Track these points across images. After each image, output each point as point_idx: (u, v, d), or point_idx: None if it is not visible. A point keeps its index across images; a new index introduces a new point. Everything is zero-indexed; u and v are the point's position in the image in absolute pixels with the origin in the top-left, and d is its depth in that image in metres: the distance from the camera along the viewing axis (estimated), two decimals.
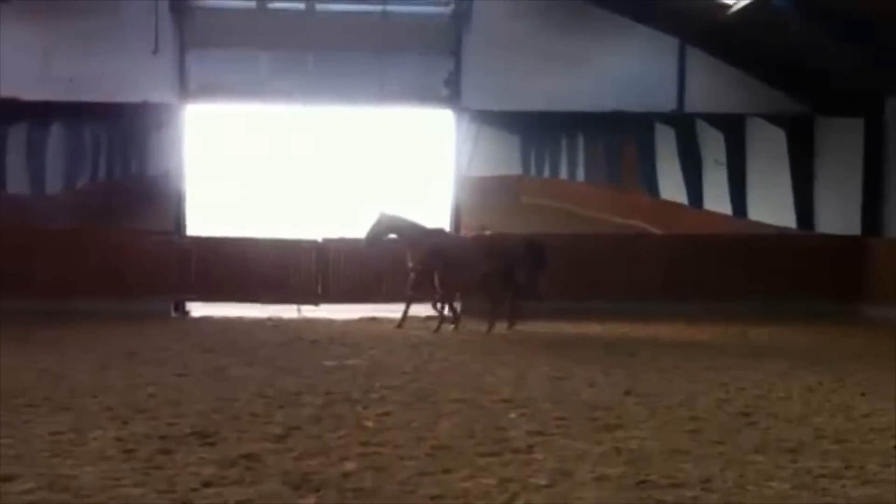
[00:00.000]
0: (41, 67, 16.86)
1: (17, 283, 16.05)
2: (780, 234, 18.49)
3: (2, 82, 16.76)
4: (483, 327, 14.84)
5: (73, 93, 16.93)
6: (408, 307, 15.31)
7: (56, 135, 17.93)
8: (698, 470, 6.87)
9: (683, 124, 18.58)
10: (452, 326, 15.03)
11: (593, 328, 15.08)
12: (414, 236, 15.28)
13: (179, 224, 17.54)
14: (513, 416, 8.68)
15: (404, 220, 15.33)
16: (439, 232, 15.98)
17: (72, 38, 17.04)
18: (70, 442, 7.59)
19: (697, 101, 18.53)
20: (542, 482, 6.56)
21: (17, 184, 17.87)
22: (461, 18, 17.99)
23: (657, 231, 18.65)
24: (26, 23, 17.08)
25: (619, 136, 18.73)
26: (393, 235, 15.39)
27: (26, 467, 6.80)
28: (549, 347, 13.20)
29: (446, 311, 15.23)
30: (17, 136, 17.83)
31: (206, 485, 6.45)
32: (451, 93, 18.13)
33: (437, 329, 14.80)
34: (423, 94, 18.22)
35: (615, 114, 18.22)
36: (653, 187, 18.81)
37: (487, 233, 16.08)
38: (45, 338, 13.53)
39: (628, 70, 18.29)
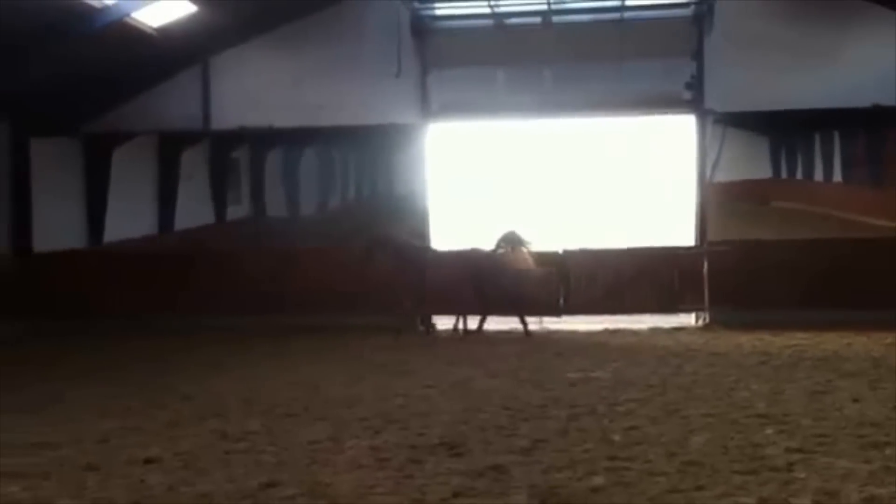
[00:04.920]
0: (293, 95, 17.83)
1: (275, 300, 17.02)
2: None
3: (258, 111, 17.89)
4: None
5: (322, 118, 17.78)
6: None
7: (308, 159, 19.05)
8: None
9: None
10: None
11: (857, 340, 14.00)
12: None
13: (424, 240, 17.97)
14: (769, 432, 8.23)
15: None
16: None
17: (320, 66, 17.91)
18: (327, 450, 7.92)
19: None
20: (805, 503, 6.15)
21: (276, 207, 19.02)
22: (702, 19, 17.36)
23: None
24: (278, 54, 18.17)
25: (879, 133, 17.41)
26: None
27: (288, 474, 7.15)
28: (807, 360, 12.39)
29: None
30: (274, 162, 19.04)
31: (456, 495, 6.52)
32: (693, 96, 17.53)
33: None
34: (664, 100, 17.73)
35: (874, 109, 16.94)
36: None
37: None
38: (301, 352, 14.24)
39: (886, 61, 16.96)
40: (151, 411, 9.76)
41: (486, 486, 6.74)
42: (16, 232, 17.77)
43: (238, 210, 20.60)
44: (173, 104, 18.21)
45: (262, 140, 18.69)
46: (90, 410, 9.80)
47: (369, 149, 18.52)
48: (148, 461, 7.70)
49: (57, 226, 17.98)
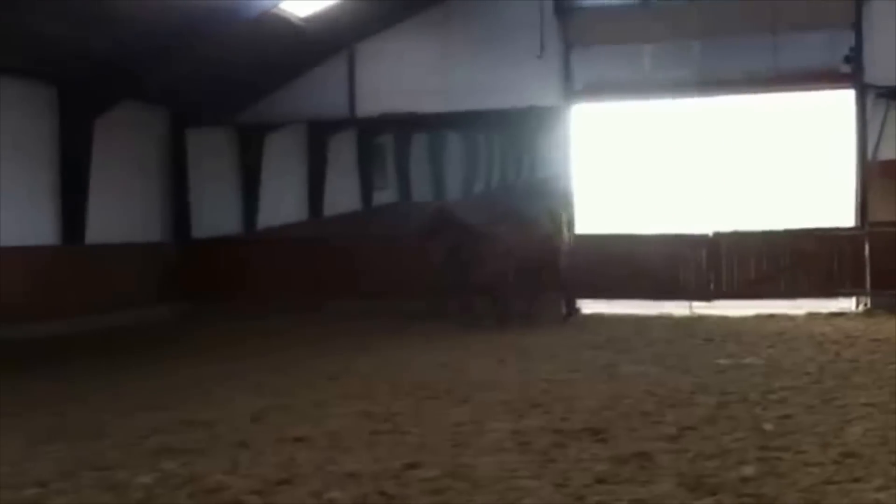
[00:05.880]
0: (436, 80, 17.92)
1: (410, 285, 17.15)
2: None
3: (402, 97, 18.06)
4: None
5: (464, 102, 17.80)
6: None
7: (452, 144, 19.14)
8: None
9: None
10: None
11: None
12: None
13: (568, 225, 17.75)
14: None
15: None
16: None
17: (462, 49, 17.95)
18: (470, 433, 7.90)
19: None
20: None
21: (421, 192, 19.21)
22: None
23: None
24: (420, 39, 18.28)
25: None
26: None
27: (430, 455, 7.18)
28: None
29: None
30: (418, 147, 19.23)
31: (600, 481, 6.40)
32: (853, 70, 16.67)
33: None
34: (820, 75, 16.94)
35: None
36: None
37: None
38: (443, 335, 14.34)
39: None
40: (300, 391, 10.00)
41: (630, 473, 6.59)
42: (176, 219, 18.58)
43: (384, 195, 20.93)
44: (321, 92, 18.64)
45: (406, 125, 18.90)
46: (243, 390, 10.12)
47: (513, 132, 18.43)
48: (297, 439, 7.87)
49: (213, 213, 18.71)
